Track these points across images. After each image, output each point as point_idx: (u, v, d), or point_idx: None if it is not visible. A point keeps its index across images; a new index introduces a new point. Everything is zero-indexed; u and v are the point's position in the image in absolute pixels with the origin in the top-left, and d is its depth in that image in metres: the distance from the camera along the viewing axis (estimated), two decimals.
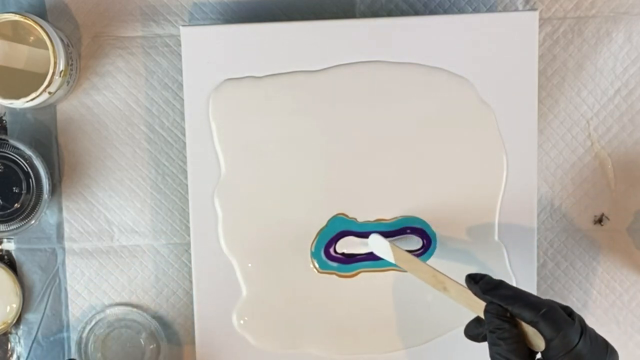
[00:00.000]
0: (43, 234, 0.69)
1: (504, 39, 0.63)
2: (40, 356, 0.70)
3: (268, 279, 0.65)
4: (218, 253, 0.64)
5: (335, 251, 0.65)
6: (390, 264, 0.64)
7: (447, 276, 0.58)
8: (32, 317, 0.70)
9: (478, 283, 0.55)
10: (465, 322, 0.65)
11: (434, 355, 0.66)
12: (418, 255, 0.65)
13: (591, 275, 0.70)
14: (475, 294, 0.55)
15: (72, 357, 0.69)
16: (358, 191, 0.64)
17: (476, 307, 0.56)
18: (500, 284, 0.54)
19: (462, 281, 0.57)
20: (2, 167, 0.65)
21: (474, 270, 0.65)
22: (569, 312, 0.52)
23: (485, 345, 0.55)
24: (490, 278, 0.55)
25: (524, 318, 0.52)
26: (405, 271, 0.65)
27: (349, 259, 0.65)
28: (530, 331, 0.52)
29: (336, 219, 0.65)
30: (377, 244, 0.63)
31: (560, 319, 0.51)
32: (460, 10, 0.68)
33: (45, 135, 0.68)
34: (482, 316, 0.55)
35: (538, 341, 0.52)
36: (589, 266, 0.70)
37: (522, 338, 0.52)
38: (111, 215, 0.69)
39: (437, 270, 0.59)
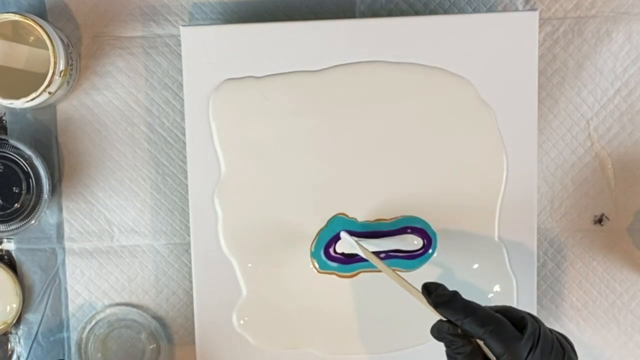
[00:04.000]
0: (43, 234, 0.69)
1: (504, 39, 0.63)
2: (40, 356, 0.70)
3: (268, 279, 0.65)
4: (218, 253, 0.64)
5: (335, 251, 0.65)
6: (389, 264, 0.64)
7: (408, 282, 0.57)
8: (32, 317, 0.70)
9: (431, 295, 0.53)
10: None
11: (434, 356, 0.66)
12: (419, 255, 0.65)
13: (591, 275, 0.70)
14: (430, 306, 0.54)
15: (71, 357, 0.70)
16: (358, 191, 0.64)
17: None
18: (453, 298, 0.53)
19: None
20: (2, 167, 0.65)
21: (474, 270, 0.65)
22: (523, 325, 0.51)
23: None
24: (443, 290, 0.53)
25: (472, 334, 0.51)
26: (404, 271, 0.65)
27: (349, 259, 0.65)
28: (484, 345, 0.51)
29: (336, 219, 0.65)
30: (347, 242, 0.64)
31: (507, 336, 0.50)
32: (460, 10, 0.68)
33: (45, 135, 0.69)
34: None
35: (492, 356, 0.51)
36: (589, 266, 0.70)
37: (478, 352, 0.51)
38: (111, 215, 0.69)
39: (401, 276, 0.58)
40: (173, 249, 0.70)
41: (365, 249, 0.62)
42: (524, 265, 0.65)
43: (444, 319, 0.53)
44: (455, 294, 0.53)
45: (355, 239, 0.63)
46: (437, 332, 0.53)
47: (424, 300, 0.54)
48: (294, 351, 0.66)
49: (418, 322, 0.65)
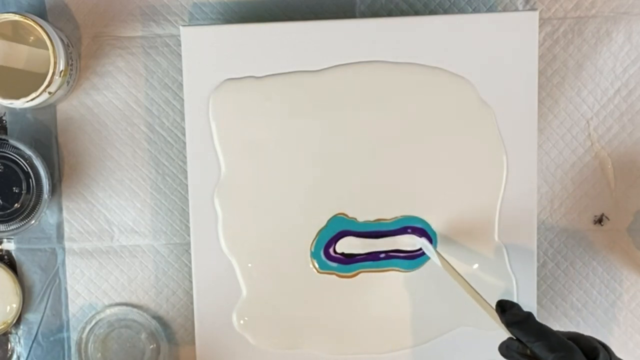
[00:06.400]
0: (43, 234, 0.69)
1: (504, 39, 0.63)
2: (40, 356, 0.70)
3: (268, 279, 0.65)
4: (218, 253, 0.64)
5: (335, 251, 0.65)
6: (389, 264, 0.65)
7: (483, 297, 0.57)
8: (32, 317, 0.70)
9: (505, 313, 0.54)
10: (464, 323, 0.65)
11: (434, 355, 0.66)
12: (419, 256, 0.65)
13: (591, 275, 0.70)
14: (502, 323, 0.54)
15: (71, 357, 0.70)
16: (358, 191, 0.64)
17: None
18: (527, 319, 0.53)
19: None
20: (2, 167, 0.65)
21: (474, 270, 0.65)
22: (595, 355, 0.51)
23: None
24: (517, 310, 0.54)
25: (542, 358, 0.51)
26: (404, 271, 0.65)
27: (349, 259, 0.65)
28: None
29: (336, 218, 0.65)
30: (426, 250, 0.64)
31: None
32: (460, 10, 0.68)
33: (45, 135, 0.69)
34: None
35: None
36: (589, 266, 0.70)
37: None
38: (111, 215, 0.69)
39: (476, 290, 0.58)
40: (173, 249, 0.70)
41: (444, 259, 0.62)
42: (524, 265, 0.65)
43: (514, 337, 0.53)
44: (529, 315, 0.53)
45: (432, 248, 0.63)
46: (506, 349, 0.53)
47: (497, 316, 0.54)
48: (294, 351, 0.66)
49: (417, 322, 0.66)
